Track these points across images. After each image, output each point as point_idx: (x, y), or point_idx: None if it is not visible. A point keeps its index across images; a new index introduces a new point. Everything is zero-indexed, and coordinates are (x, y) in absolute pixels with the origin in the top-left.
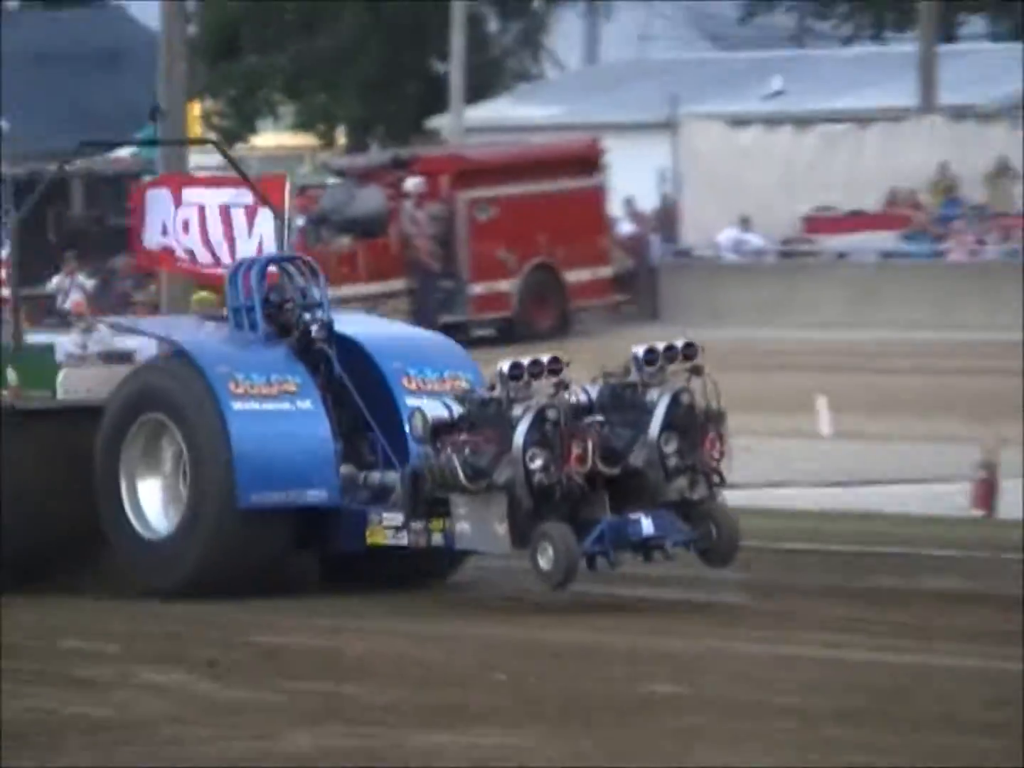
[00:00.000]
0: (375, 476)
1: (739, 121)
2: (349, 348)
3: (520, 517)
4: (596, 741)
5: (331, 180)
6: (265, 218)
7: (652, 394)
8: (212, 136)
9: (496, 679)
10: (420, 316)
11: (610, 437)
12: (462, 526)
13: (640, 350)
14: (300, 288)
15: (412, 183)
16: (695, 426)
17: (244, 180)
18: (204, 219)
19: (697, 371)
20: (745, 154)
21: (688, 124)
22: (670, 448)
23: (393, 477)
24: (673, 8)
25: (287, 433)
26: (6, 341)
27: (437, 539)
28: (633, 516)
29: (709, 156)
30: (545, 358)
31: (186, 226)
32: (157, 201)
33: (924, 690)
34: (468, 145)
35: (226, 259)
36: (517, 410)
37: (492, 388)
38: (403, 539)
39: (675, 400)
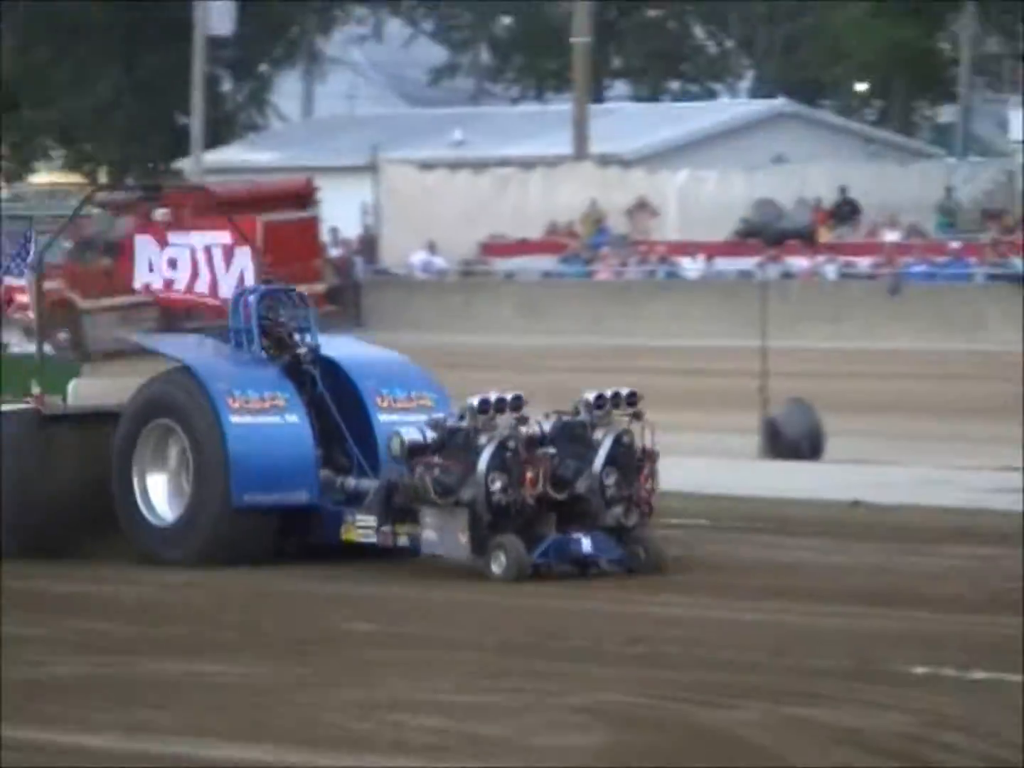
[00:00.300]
0: (350, 481)
1: (427, 165)
2: (331, 369)
3: (479, 529)
4: (312, 669)
5: (95, 211)
6: (241, 255)
7: (598, 433)
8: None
9: (228, 618)
10: (166, 323)
11: (559, 467)
12: (428, 534)
13: (591, 396)
14: (292, 314)
15: (160, 213)
16: (633, 463)
17: (228, 221)
18: (195, 260)
19: (637, 416)
20: (432, 192)
21: (386, 167)
22: (610, 480)
23: (367, 483)
24: (375, 72)
25: (276, 443)
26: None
27: (403, 541)
28: (575, 536)
29: (403, 193)
30: (509, 395)
31: (173, 263)
32: (144, 245)
33: (578, 628)
34: (207, 183)
35: (212, 290)
36: (482, 439)
37: (462, 418)
38: (373, 538)
39: (617, 440)
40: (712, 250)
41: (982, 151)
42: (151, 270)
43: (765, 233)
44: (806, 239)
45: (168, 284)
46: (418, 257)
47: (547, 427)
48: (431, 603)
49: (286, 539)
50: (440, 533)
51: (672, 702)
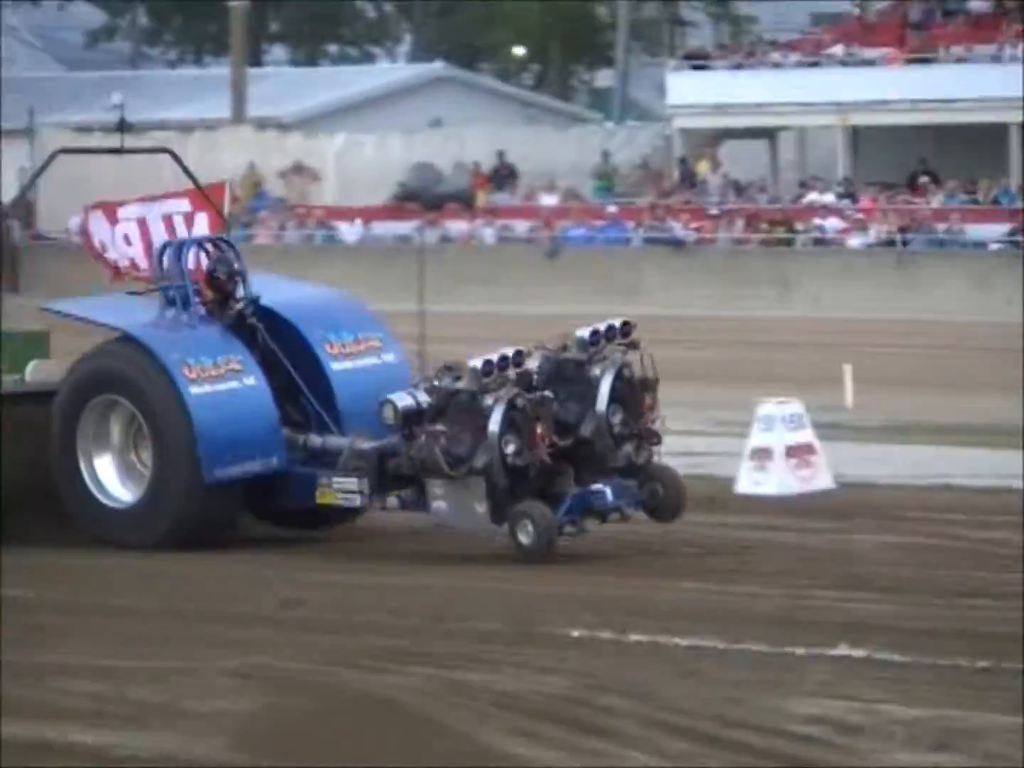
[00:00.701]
0: (315, 439)
1: (85, 129)
2: (273, 320)
3: (498, 497)
4: None
5: None
6: (201, 222)
7: (595, 370)
8: None
9: None
10: None
11: (560, 412)
12: (439, 505)
13: (585, 332)
14: (225, 264)
15: None
16: (635, 397)
17: (196, 186)
18: (146, 231)
19: (634, 346)
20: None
21: (44, 131)
22: (616, 419)
23: (335, 441)
24: (31, 34)
25: (240, 410)
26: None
27: (392, 503)
28: (595, 487)
29: (61, 157)
30: (510, 352)
31: (127, 239)
32: (96, 224)
33: (240, 592)
34: None
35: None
36: (488, 400)
37: (458, 379)
38: (355, 501)
39: (618, 375)
40: (370, 214)
41: (639, 116)
42: (103, 250)
43: (423, 197)
44: (464, 203)
45: (132, 263)
46: (74, 221)
47: (535, 367)
48: (97, 570)
49: (254, 506)
50: (453, 504)
51: (329, 666)
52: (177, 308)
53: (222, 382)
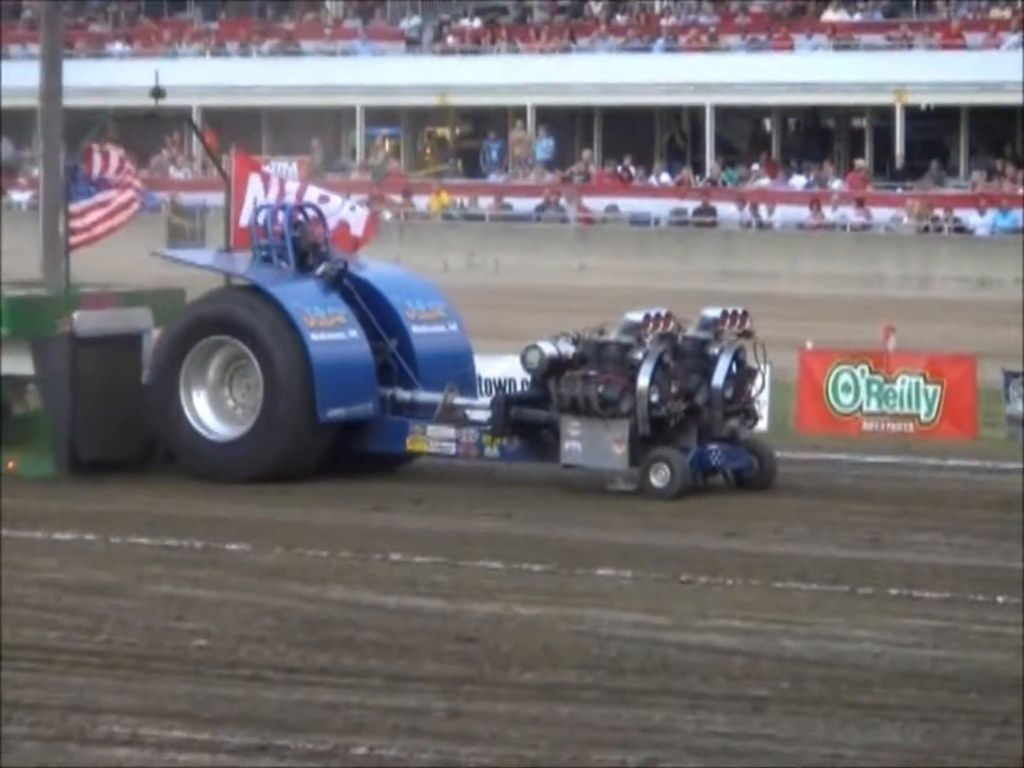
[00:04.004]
0: (403, 393)
1: None
2: (360, 285)
3: (637, 441)
4: None
5: None
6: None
7: (714, 349)
8: None
9: None
10: None
11: (685, 380)
12: (572, 445)
13: (715, 312)
14: (310, 231)
15: None
16: (744, 378)
17: (209, 153)
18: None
19: (748, 334)
20: None
21: None
22: (728, 393)
23: (424, 395)
24: None
25: (347, 358)
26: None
27: (491, 452)
28: (712, 447)
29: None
30: (663, 311)
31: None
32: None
33: None
34: None
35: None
36: (639, 354)
37: (602, 333)
38: (450, 449)
39: (735, 357)
40: None
41: None
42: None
43: None
44: None
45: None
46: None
47: (677, 343)
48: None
49: (348, 450)
50: (588, 444)
51: None
52: (273, 264)
53: (334, 331)
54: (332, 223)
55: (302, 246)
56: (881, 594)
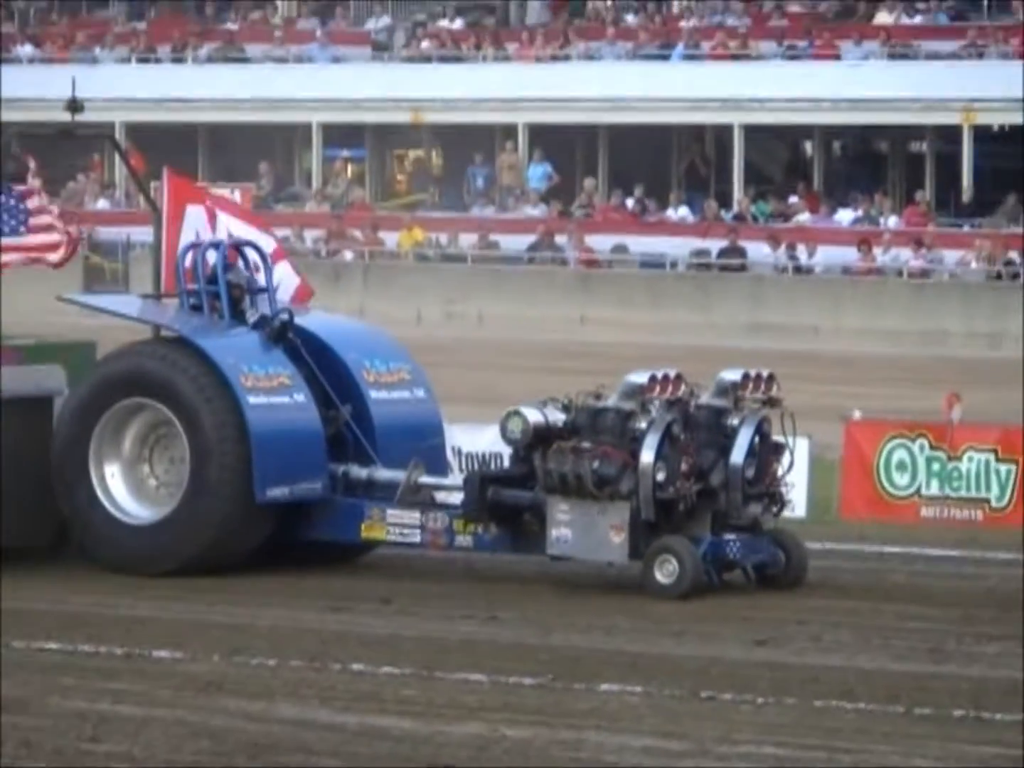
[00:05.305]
0: (359, 471)
1: None
2: (309, 339)
3: (639, 529)
4: None
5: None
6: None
7: (734, 419)
8: None
9: None
10: None
11: (697, 456)
12: (561, 532)
13: (735, 376)
14: (246, 274)
15: None
16: (768, 455)
17: (135, 178)
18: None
19: (773, 403)
20: None
21: None
22: (750, 473)
23: (383, 473)
24: None
25: (291, 427)
26: None
27: (463, 540)
28: (729, 537)
29: None
30: (672, 373)
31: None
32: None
33: None
34: None
35: None
36: (642, 423)
37: (598, 398)
38: (414, 537)
39: (758, 429)
40: None
41: None
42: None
43: None
44: None
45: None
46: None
47: (688, 411)
48: None
49: (292, 536)
50: (581, 532)
51: None
52: (202, 312)
53: (277, 394)
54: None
55: (237, 292)
56: (943, 716)
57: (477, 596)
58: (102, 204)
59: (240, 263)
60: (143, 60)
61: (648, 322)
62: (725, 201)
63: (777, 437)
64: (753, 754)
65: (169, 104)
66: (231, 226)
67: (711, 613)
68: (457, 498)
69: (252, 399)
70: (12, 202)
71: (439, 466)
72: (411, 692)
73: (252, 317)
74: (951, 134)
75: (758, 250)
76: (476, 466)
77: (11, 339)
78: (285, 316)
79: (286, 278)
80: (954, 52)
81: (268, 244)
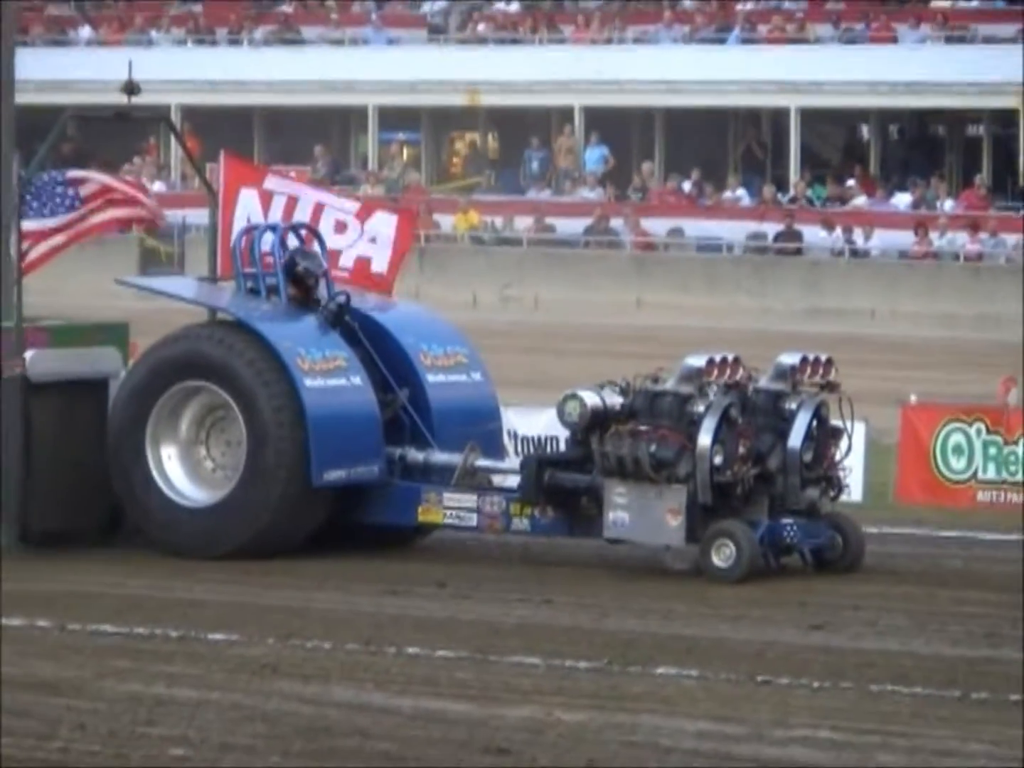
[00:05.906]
0: (415, 454)
1: None
2: (366, 323)
3: (695, 512)
4: None
5: None
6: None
7: (792, 403)
8: None
9: None
10: None
11: (755, 440)
12: (618, 515)
13: (793, 359)
14: (311, 256)
15: None
16: (826, 440)
17: (191, 161)
18: (292, 209)
19: (832, 387)
20: None
21: None
22: (808, 457)
23: (439, 456)
24: None
25: (347, 410)
26: None
27: (520, 524)
28: (787, 521)
29: None
30: (730, 356)
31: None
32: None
33: None
34: None
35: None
36: (700, 407)
37: (656, 381)
38: (470, 521)
39: (816, 413)
40: None
41: None
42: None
43: None
44: None
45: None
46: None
47: (746, 395)
48: None
49: (348, 520)
50: (637, 515)
51: None
52: (261, 297)
53: (333, 377)
54: (348, 260)
55: (296, 275)
56: (999, 700)
57: (532, 580)
58: (158, 186)
59: (316, 246)
60: (199, 42)
61: (704, 306)
62: (781, 184)
63: (835, 421)
64: (809, 738)
65: (224, 86)
66: (315, 197)
67: (767, 597)
68: (514, 481)
69: (309, 382)
70: (60, 189)
71: (495, 450)
72: (466, 676)
73: (312, 300)
74: (1008, 118)
75: (814, 234)
76: (532, 449)
77: (38, 320)
78: (342, 299)
79: (381, 227)
80: (1011, 36)
81: (351, 206)
